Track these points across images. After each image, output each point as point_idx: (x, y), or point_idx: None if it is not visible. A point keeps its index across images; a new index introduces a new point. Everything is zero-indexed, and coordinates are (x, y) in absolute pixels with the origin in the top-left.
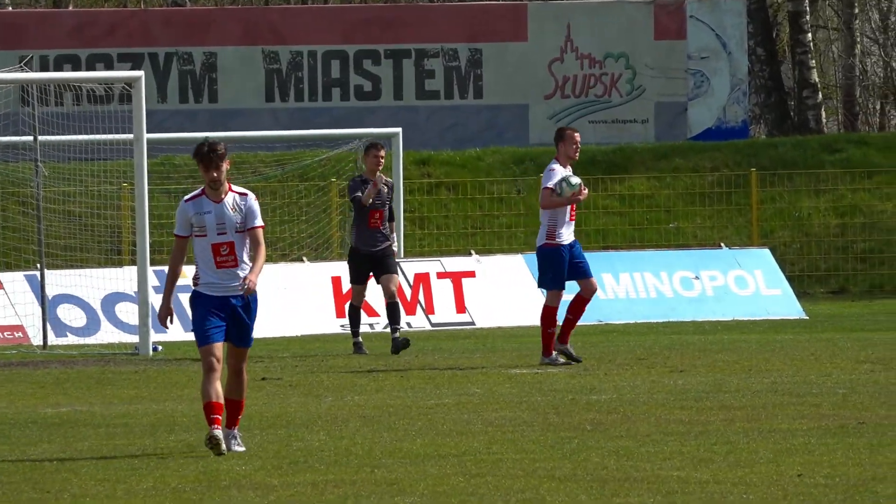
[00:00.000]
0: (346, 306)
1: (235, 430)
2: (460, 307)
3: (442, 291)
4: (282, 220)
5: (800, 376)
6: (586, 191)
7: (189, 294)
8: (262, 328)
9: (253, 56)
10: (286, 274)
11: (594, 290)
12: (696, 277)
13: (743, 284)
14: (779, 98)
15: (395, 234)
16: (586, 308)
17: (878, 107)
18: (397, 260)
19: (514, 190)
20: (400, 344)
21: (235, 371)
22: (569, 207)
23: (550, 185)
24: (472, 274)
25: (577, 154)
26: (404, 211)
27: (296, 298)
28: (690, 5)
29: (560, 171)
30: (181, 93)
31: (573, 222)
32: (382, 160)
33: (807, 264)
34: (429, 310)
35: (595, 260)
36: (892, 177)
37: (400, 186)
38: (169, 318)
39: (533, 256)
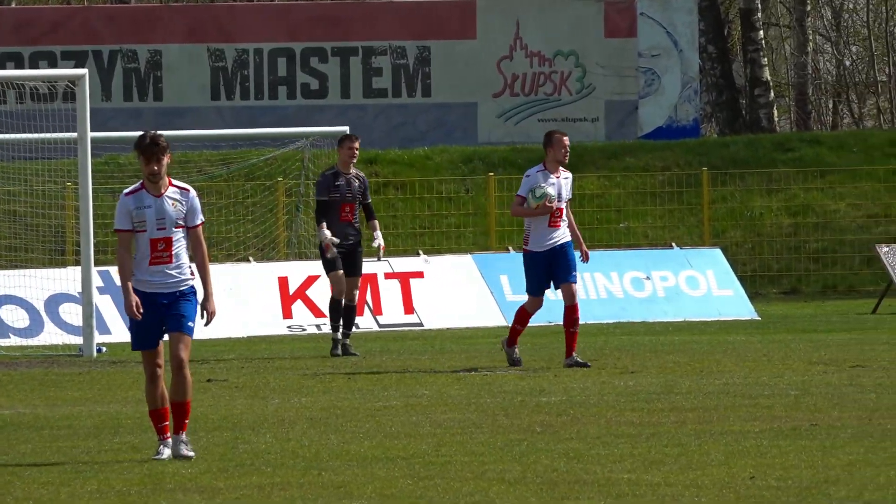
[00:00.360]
0: (328, 302)
1: (183, 436)
2: (408, 308)
3: (390, 292)
4: (227, 219)
5: (752, 378)
6: (556, 203)
7: None
8: (208, 329)
9: (198, 54)
10: (232, 274)
11: (570, 295)
12: (647, 278)
13: (694, 285)
14: (730, 96)
15: (378, 232)
16: (577, 315)
17: (830, 105)
18: (383, 259)
19: (463, 189)
20: (349, 351)
21: (177, 365)
22: (548, 214)
23: (522, 193)
24: (420, 274)
25: (567, 157)
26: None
27: (242, 299)
28: (641, 3)
29: (533, 179)
30: (125, 91)
31: (556, 228)
32: (357, 152)
33: (759, 264)
34: (376, 310)
35: None
36: (845, 176)
37: None
38: (137, 305)
39: (482, 256)
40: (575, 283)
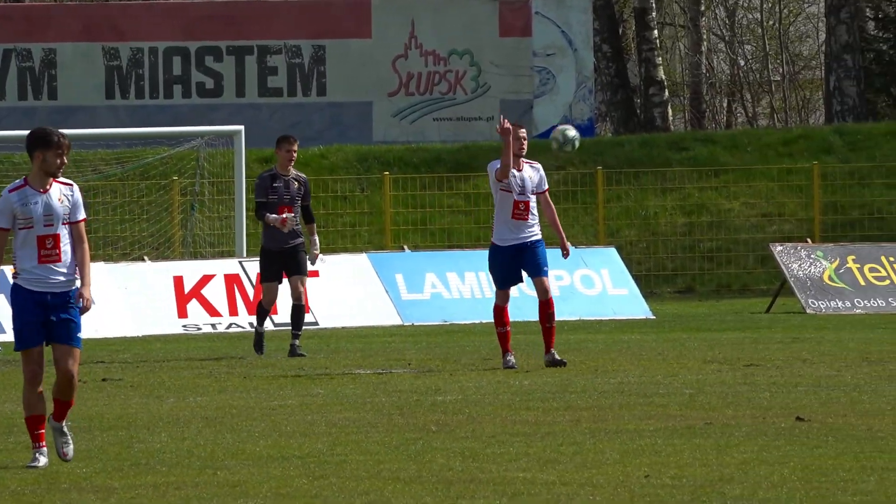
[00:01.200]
0: (257, 305)
1: (64, 424)
2: None
3: (285, 291)
4: (122, 218)
5: (647, 376)
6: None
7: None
8: (103, 328)
9: (93, 53)
10: (127, 273)
11: (543, 290)
12: None
13: (589, 284)
14: (625, 96)
15: (315, 237)
16: (552, 309)
17: (724, 104)
18: (321, 258)
19: (358, 188)
20: (297, 352)
21: (66, 376)
22: (511, 207)
23: (493, 173)
24: (315, 273)
25: (523, 150)
26: (247, 210)
27: (137, 298)
28: (536, 2)
29: (493, 168)
30: (20, 89)
31: (523, 221)
32: (295, 154)
33: (653, 264)
34: (272, 310)
35: (440, 259)
36: (739, 175)
37: (242, 185)
38: None
39: (377, 255)
40: (546, 277)
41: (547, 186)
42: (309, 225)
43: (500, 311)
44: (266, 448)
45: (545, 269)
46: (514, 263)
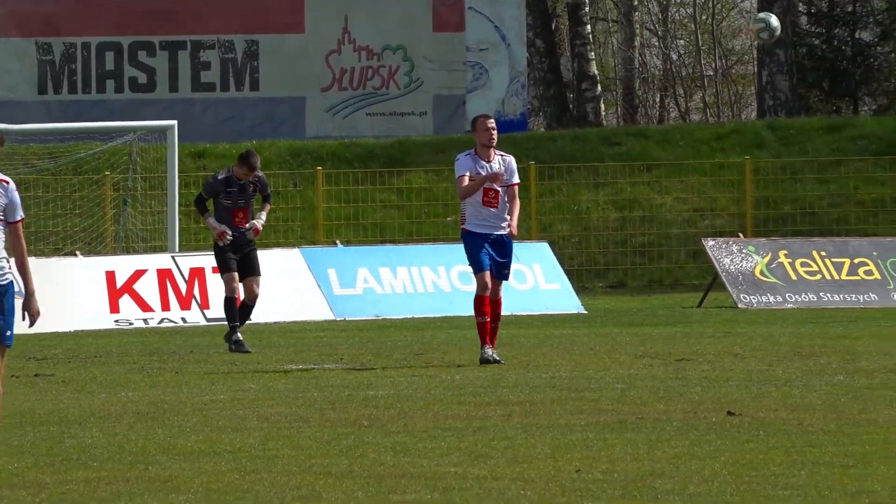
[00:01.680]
0: (223, 301)
1: None
2: None
3: (217, 286)
4: (55, 213)
5: (578, 371)
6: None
7: None
8: (34, 324)
9: (26, 47)
10: (58, 268)
11: (495, 290)
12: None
13: (521, 279)
14: (558, 91)
15: (264, 214)
16: (500, 309)
17: (657, 99)
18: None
19: (291, 183)
20: (241, 344)
21: None
22: (481, 193)
23: (461, 173)
24: None
25: (493, 140)
26: (179, 205)
27: (68, 294)
28: None
29: (462, 163)
30: None
31: (493, 208)
32: (252, 173)
33: (585, 258)
34: (204, 304)
35: (372, 254)
36: (671, 170)
37: (175, 180)
38: None
39: (309, 250)
40: (503, 280)
41: (517, 181)
42: (263, 204)
43: (480, 300)
44: (197, 443)
45: (507, 274)
46: (489, 251)
